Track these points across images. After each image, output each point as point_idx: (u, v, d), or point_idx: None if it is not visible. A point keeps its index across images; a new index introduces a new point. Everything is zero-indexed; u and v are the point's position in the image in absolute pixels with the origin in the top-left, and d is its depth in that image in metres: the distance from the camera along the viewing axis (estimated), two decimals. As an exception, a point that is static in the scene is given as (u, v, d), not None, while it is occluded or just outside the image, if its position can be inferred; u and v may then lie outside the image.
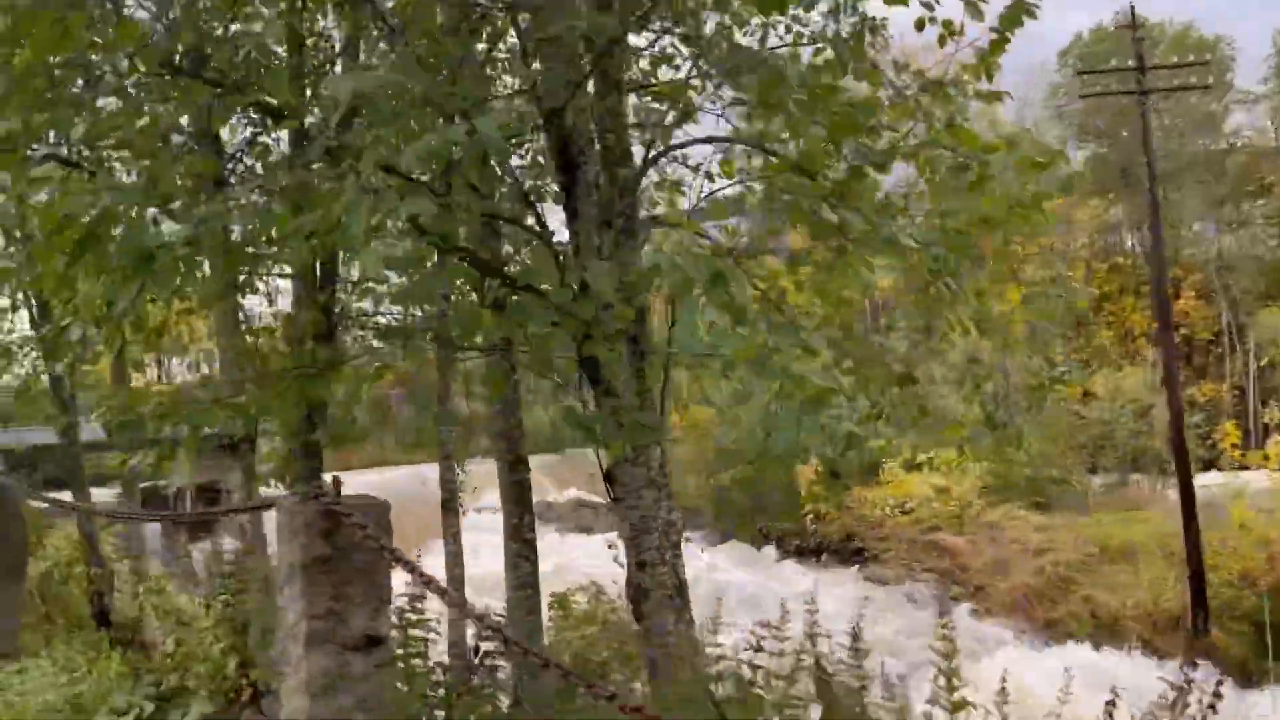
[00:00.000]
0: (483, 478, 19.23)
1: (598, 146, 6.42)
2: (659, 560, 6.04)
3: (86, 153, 5.55)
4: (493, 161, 6.29)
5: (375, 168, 3.99)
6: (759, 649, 3.91)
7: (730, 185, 7.59)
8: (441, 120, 4.38)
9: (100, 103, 5.80)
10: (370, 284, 11.84)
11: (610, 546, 12.62)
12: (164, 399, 4.57)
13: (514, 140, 6.74)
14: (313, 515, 3.26)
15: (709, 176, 7.36)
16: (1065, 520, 23.17)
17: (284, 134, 9.00)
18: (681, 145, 7.27)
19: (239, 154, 5.67)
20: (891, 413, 7.39)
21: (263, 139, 7.94)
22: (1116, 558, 21.04)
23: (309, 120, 5.90)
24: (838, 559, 24.05)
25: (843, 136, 5.11)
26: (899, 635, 16.96)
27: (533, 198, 7.17)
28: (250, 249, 4.88)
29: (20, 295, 10.10)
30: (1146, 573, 19.90)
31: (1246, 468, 26.20)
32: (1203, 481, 21.74)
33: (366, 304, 12.52)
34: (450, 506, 9.62)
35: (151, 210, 4.25)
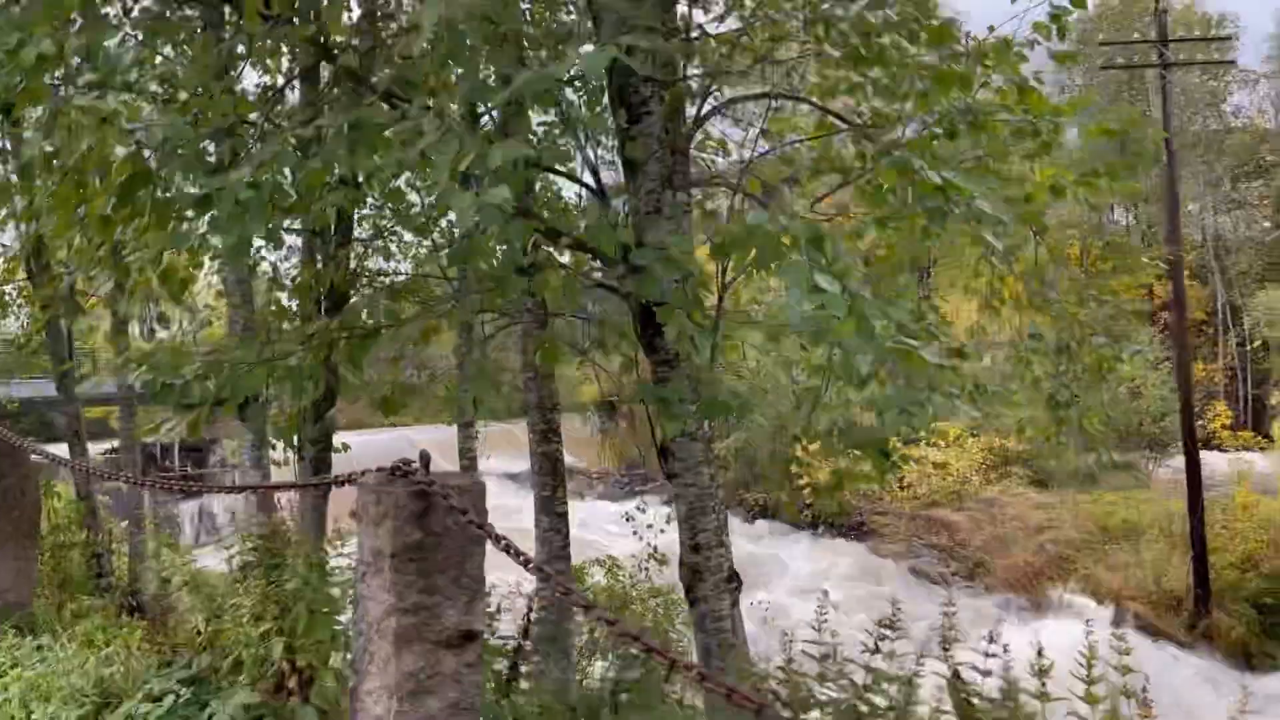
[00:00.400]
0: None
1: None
2: (715, 542, 5.70)
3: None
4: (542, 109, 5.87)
5: (456, 106, 3.59)
6: (876, 650, 3.56)
7: (785, 144, 7.21)
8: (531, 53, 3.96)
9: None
10: (381, 241, 11.43)
11: (628, 519, 12.32)
12: (202, 358, 4.18)
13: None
14: (403, 497, 2.88)
15: (764, 134, 6.94)
16: (1064, 498, 23.06)
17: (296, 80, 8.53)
18: (735, 100, 6.85)
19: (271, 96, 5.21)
20: (943, 389, 7.08)
21: (281, 83, 7.47)
22: (1116, 537, 20.93)
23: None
24: (833, 533, 23.86)
25: (947, 89, 4.73)
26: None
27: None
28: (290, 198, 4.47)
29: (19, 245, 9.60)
30: (1147, 553, 19.78)
31: (1249, 448, 26.13)
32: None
33: (372, 263, 12.09)
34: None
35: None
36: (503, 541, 2.71)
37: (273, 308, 7.69)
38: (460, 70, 4.17)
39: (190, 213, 4.03)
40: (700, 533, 5.65)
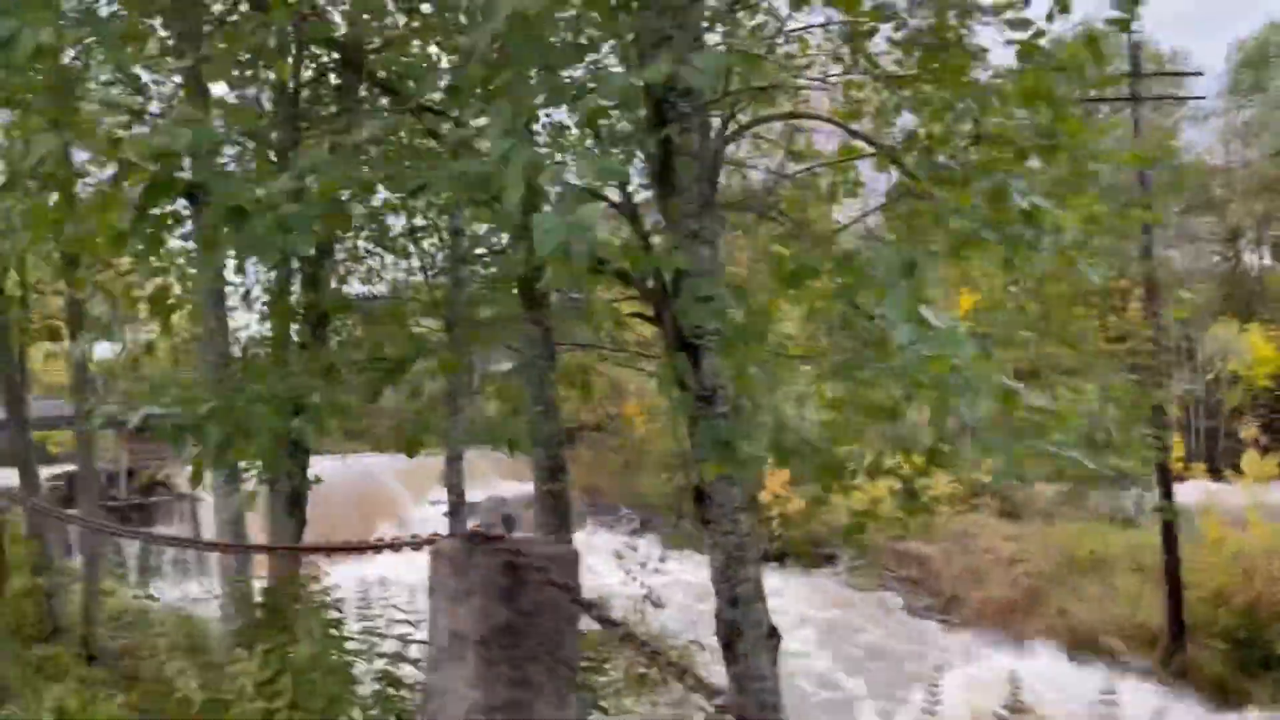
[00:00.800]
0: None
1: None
2: (755, 595, 5.26)
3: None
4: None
5: (523, 113, 3.16)
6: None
7: (809, 167, 6.87)
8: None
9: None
10: (364, 264, 10.90)
11: (619, 556, 11.83)
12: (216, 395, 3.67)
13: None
14: (492, 571, 2.41)
15: (795, 155, 6.59)
16: (1033, 529, 22.94)
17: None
18: (762, 120, 6.49)
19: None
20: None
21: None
22: (1087, 569, 20.80)
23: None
24: (801, 565, 23.49)
25: (1030, 104, 4.40)
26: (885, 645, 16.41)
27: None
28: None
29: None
30: (1120, 586, 19.67)
31: (1222, 479, 26.22)
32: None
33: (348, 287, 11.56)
34: (458, 512, 8.73)
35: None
36: (621, 628, 2.25)
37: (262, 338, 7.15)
38: (502, 75, 3.75)
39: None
40: (739, 585, 5.21)
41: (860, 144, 6.58)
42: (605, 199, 5.55)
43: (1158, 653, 18.25)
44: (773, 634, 5.30)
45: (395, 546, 2.78)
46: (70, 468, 20.12)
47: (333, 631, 4.12)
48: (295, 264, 9.52)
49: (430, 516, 27.05)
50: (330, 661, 3.85)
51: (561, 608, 2.49)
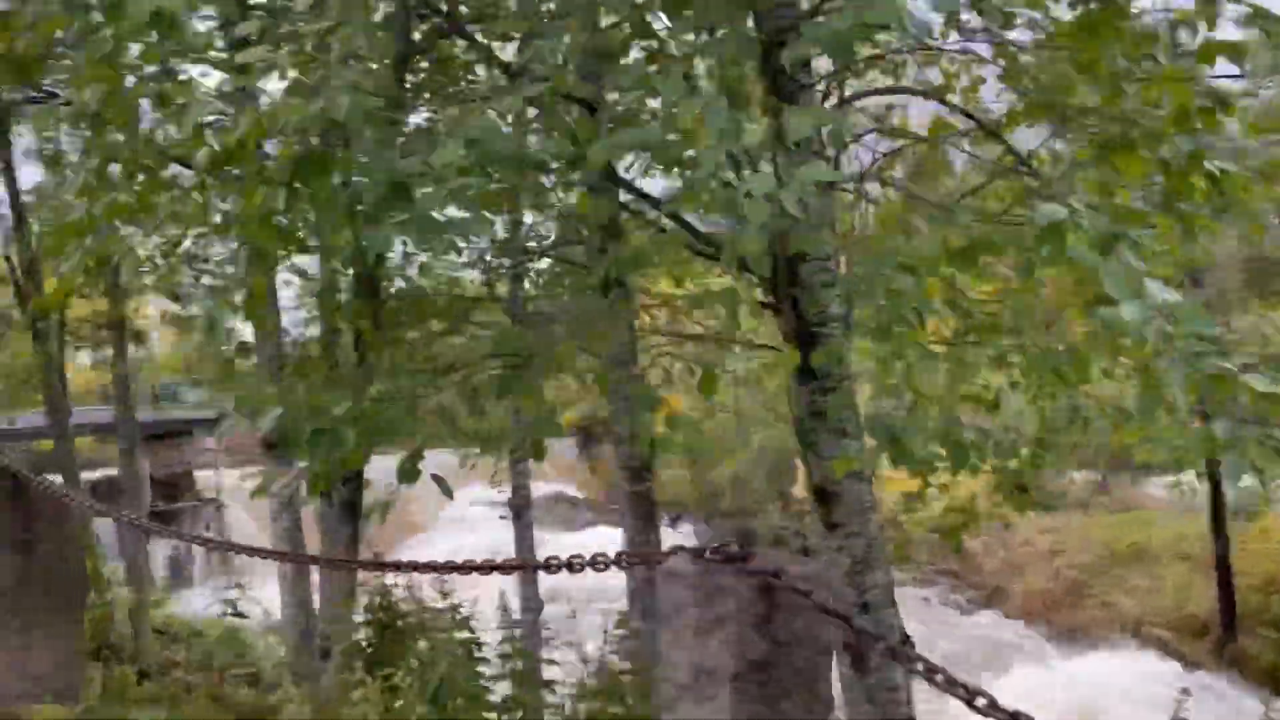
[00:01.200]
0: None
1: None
2: (886, 601, 4.91)
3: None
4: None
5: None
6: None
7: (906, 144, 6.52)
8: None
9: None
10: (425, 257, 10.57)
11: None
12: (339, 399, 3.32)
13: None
14: (750, 595, 2.06)
15: (891, 132, 6.24)
16: (1068, 521, 22.55)
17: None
18: (861, 95, 6.15)
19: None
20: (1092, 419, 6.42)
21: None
22: (1129, 560, 20.43)
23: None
24: (837, 559, 23.14)
25: (1210, 60, 4.07)
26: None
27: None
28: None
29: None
30: (1167, 576, 19.30)
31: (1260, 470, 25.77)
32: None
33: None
34: (523, 518, 8.39)
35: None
36: (939, 675, 1.89)
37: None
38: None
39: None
40: (869, 590, 4.85)
41: (957, 119, 6.22)
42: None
43: (1208, 642, 17.91)
44: (905, 641, 4.95)
45: (578, 566, 2.43)
46: (94, 475, 19.82)
47: (461, 653, 3.76)
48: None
49: (453, 520, 26.61)
50: (467, 687, 3.50)
51: (818, 636, 2.14)
